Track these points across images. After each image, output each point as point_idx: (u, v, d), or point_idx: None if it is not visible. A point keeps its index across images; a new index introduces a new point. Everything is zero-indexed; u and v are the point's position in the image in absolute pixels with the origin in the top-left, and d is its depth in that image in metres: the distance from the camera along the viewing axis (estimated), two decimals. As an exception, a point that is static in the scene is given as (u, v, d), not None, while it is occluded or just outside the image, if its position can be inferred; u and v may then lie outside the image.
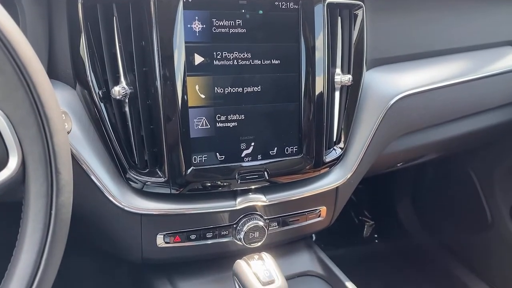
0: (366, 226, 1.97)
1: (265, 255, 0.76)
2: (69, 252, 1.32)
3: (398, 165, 1.24)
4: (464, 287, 1.63)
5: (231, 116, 0.80)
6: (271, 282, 0.71)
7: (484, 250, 1.61)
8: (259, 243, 0.88)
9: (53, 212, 0.50)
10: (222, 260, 0.89)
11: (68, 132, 0.61)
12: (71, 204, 0.53)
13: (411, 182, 1.83)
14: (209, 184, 0.81)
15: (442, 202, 1.75)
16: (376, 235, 1.96)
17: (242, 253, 0.82)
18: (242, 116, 0.81)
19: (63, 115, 0.61)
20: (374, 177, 1.75)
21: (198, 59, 0.77)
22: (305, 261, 0.99)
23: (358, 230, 1.97)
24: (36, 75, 0.48)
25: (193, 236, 0.85)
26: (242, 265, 0.73)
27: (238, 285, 0.73)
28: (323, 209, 0.95)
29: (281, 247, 0.97)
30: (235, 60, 0.79)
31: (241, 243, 0.87)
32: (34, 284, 0.49)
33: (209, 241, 0.86)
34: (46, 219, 0.50)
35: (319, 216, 0.96)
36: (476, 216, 1.61)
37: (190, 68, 0.76)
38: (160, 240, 0.83)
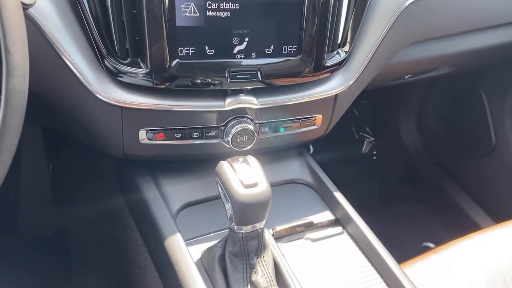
0: (366, 142, 1.93)
1: (251, 158, 0.71)
2: (55, 142, 1.31)
3: (406, 77, 1.16)
4: (459, 209, 1.64)
5: (224, 4, 0.71)
6: (254, 185, 0.67)
7: (484, 174, 1.58)
8: (248, 147, 0.84)
9: (2, 96, 0.44)
10: (208, 162, 0.86)
11: (31, 5, 0.53)
12: (25, 91, 0.47)
13: (418, 100, 1.76)
14: (195, 81, 0.75)
15: (447, 123, 1.70)
16: (375, 152, 1.94)
17: (229, 156, 0.78)
18: (237, 6, 0.72)
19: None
20: (379, 92, 1.68)
21: None
22: (294, 168, 0.95)
23: (357, 146, 1.94)
24: None
25: (178, 135, 0.80)
26: (224, 166, 0.69)
27: (220, 186, 0.70)
28: (318, 118, 0.90)
29: (271, 153, 0.93)
30: None
31: (229, 146, 0.83)
32: None
33: (195, 142, 0.82)
34: None
35: (314, 125, 0.90)
36: (480, 140, 1.57)
37: None
38: (142, 136, 0.79)
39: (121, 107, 0.74)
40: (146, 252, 0.87)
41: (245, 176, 0.68)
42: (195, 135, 0.81)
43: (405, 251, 1.00)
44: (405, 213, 1.73)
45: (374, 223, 0.90)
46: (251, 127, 0.82)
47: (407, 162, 1.84)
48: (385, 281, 0.79)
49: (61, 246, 1.35)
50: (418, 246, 1.57)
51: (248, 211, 0.68)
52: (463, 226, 1.51)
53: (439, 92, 1.70)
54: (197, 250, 0.77)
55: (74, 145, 1.31)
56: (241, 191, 0.67)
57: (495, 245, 1.00)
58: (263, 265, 0.72)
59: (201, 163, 0.89)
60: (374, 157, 1.93)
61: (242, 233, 0.70)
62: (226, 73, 0.75)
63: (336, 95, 0.87)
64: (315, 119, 0.89)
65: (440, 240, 1.08)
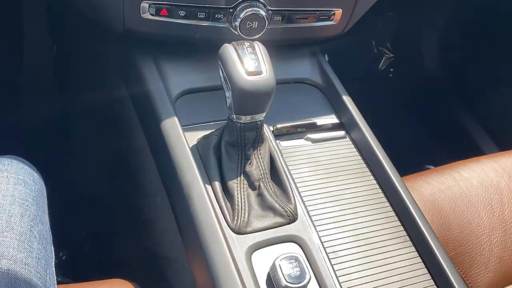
0: (384, 58, 1.84)
1: (258, 45, 0.66)
2: (60, 22, 1.25)
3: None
4: (468, 136, 1.60)
5: None
6: (258, 73, 0.63)
7: (502, 102, 1.52)
8: (257, 36, 0.78)
9: None
10: (214, 49, 0.80)
11: None
12: None
13: (445, 17, 1.64)
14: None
15: (473, 46, 1.59)
16: (392, 70, 1.85)
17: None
18: None
19: None
20: (406, 5, 1.56)
21: None
22: (304, 67, 0.90)
23: (375, 60, 1.85)
24: None
25: (182, 13, 0.74)
26: (229, 49, 0.64)
27: (222, 71, 0.65)
28: (338, 12, 0.82)
29: (281, 48, 0.86)
30: None
31: (236, 32, 0.77)
32: None
33: (201, 23, 0.76)
34: None
35: (332, 20, 0.83)
36: (507, 66, 1.48)
37: None
38: (144, 10, 0.73)
39: (122, -29, 0.68)
40: (143, 135, 0.85)
41: (249, 63, 0.63)
42: (201, 15, 0.75)
43: (406, 170, 0.98)
44: (411, 135, 1.70)
45: (378, 140, 0.87)
46: (262, 12, 0.75)
47: (422, 83, 1.77)
48: (382, 189, 0.78)
49: (63, 128, 1.35)
50: (420, 168, 1.56)
51: (248, 100, 0.64)
52: (469, 153, 1.48)
53: (470, 10, 1.57)
54: (193, 137, 0.75)
55: (80, 27, 1.25)
56: (243, 77, 0.62)
57: (497, 169, 0.98)
58: (258, 157, 0.70)
59: (206, 49, 0.83)
60: (390, 75, 1.85)
61: (241, 123, 0.67)
62: None
63: (360, -13, 0.79)
64: (334, 13, 0.82)
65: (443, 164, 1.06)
